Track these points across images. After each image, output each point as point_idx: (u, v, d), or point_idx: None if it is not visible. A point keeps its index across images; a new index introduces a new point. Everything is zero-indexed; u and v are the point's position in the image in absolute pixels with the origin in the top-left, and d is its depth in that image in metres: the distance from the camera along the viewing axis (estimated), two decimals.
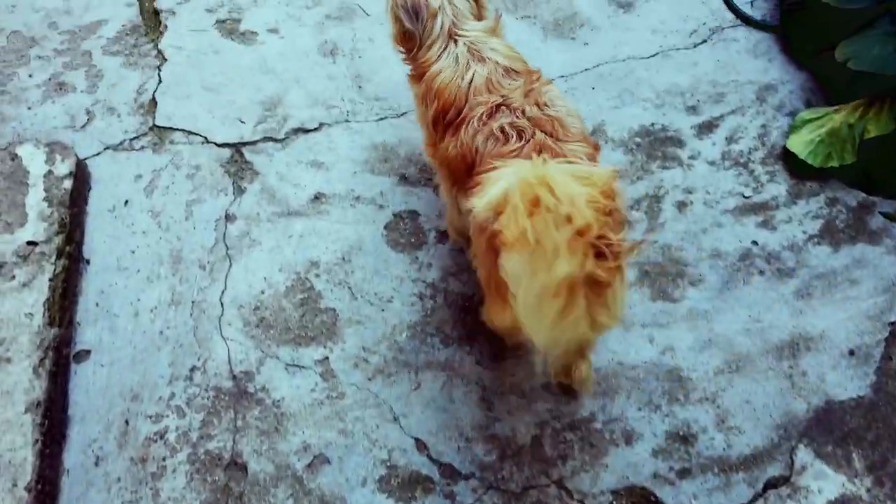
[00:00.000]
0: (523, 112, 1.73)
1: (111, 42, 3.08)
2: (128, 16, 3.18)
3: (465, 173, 1.78)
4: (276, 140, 2.81)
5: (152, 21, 3.18)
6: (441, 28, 1.87)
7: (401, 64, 2.10)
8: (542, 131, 1.69)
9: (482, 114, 1.74)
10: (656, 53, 3.07)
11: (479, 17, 1.98)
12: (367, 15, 3.22)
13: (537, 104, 1.75)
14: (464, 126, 1.77)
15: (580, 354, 1.96)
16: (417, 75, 1.96)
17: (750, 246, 2.53)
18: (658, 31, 3.13)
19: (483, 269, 1.74)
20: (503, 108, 1.74)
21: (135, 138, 2.79)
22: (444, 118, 1.84)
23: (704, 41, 3.11)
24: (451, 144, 1.81)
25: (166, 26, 3.15)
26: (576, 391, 2.16)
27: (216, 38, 3.12)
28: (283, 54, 3.08)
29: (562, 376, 2.07)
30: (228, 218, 2.59)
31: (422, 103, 1.98)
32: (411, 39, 1.93)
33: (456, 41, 1.87)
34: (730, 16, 3.20)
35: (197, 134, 2.81)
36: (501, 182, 1.37)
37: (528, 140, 1.67)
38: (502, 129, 1.69)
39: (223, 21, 3.18)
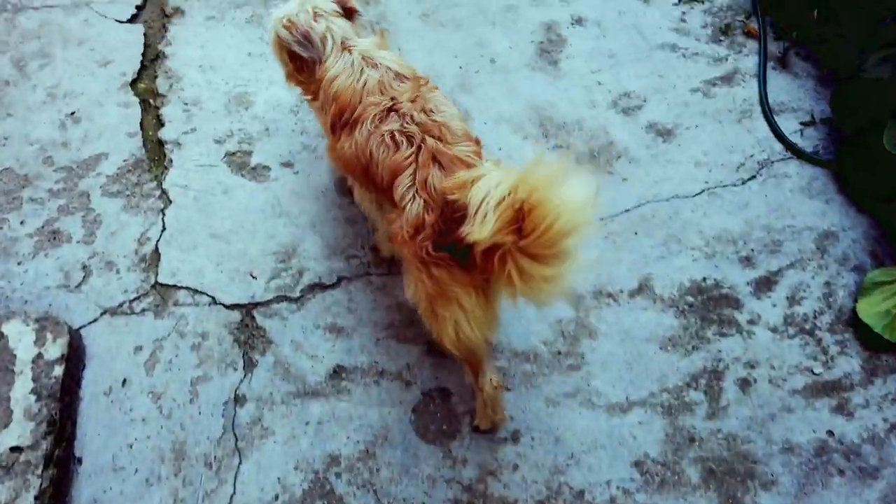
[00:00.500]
0: (412, 118, 1.87)
1: (111, 181, 2.84)
2: (130, 148, 2.94)
3: (360, 173, 1.97)
4: (290, 299, 2.55)
5: (156, 154, 2.94)
6: (334, 43, 2.08)
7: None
8: (430, 136, 1.83)
9: (374, 116, 1.89)
10: (702, 191, 2.82)
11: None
12: None
13: (424, 110, 1.89)
14: (358, 127, 1.93)
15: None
16: (316, 90, 2.12)
17: (825, 437, 2.25)
18: (702, 165, 2.89)
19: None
20: (393, 112, 1.89)
21: (135, 299, 2.53)
22: (340, 119, 2.00)
23: (753, 177, 2.87)
24: (347, 144, 1.96)
25: (171, 160, 2.91)
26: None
27: (225, 174, 2.88)
28: (298, 193, 2.83)
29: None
30: (238, 400, 2.32)
31: (322, 111, 2.13)
32: (310, 64, 2.11)
33: (350, 51, 2.07)
34: (779, 147, 2.96)
35: (203, 293, 2.55)
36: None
37: (419, 146, 1.82)
38: (393, 136, 1.84)
39: (233, 154, 2.94)
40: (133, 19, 3.42)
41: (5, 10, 3.40)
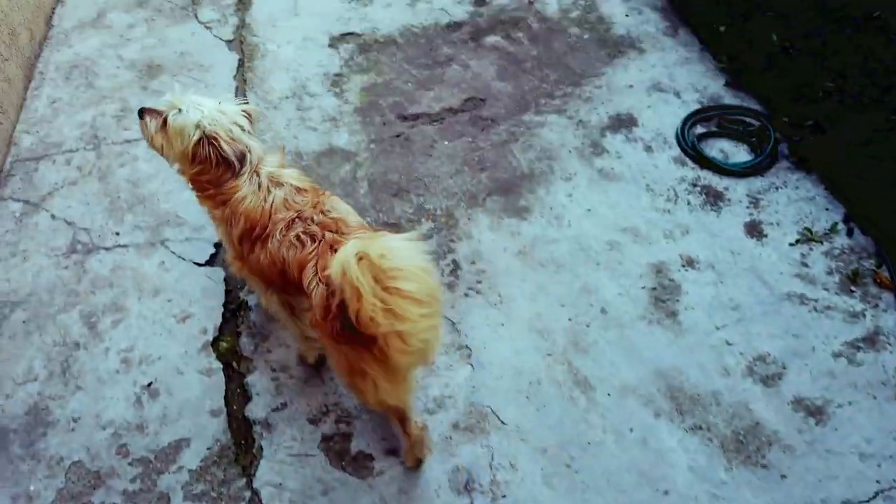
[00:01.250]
0: (312, 220, 2.12)
1: (195, 477, 2.48)
2: (214, 431, 2.60)
3: (278, 276, 2.16)
4: None
5: (243, 438, 2.59)
6: (251, 163, 2.26)
7: None
8: (329, 231, 2.09)
9: (282, 227, 2.12)
10: (876, 494, 2.44)
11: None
12: (503, 423, 2.63)
13: (322, 211, 2.15)
14: (270, 238, 2.14)
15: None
16: (220, 201, 2.27)
17: None
18: (868, 457, 2.54)
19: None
20: (297, 220, 2.13)
21: None
22: (251, 235, 2.20)
23: None
24: (262, 255, 2.17)
25: (261, 448, 2.56)
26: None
27: (324, 467, 2.51)
28: (408, 493, 2.45)
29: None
30: None
31: (225, 224, 2.30)
32: (221, 177, 2.25)
33: (258, 173, 2.26)
34: None
35: None
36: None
37: (321, 241, 2.06)
38: (298, 237, 2.09)
39: (330, 438, 2.59)
40: (212, 261, 3.17)
41: (75, 252, 3.17)
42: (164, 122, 2.28)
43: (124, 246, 3.22)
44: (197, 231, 3.29)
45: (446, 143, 3.79)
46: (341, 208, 2.21)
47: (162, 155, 2.42)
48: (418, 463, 2.47)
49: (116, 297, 3.00)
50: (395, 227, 3.33)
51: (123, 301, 2.98)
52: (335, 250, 1.93)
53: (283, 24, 4.56)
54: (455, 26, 4.56)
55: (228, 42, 4.41)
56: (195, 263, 3.16)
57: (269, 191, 2.21)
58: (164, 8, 4.66)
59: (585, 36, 4.45)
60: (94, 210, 3.36)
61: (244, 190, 2.23)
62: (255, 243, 2.20)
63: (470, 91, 4.08)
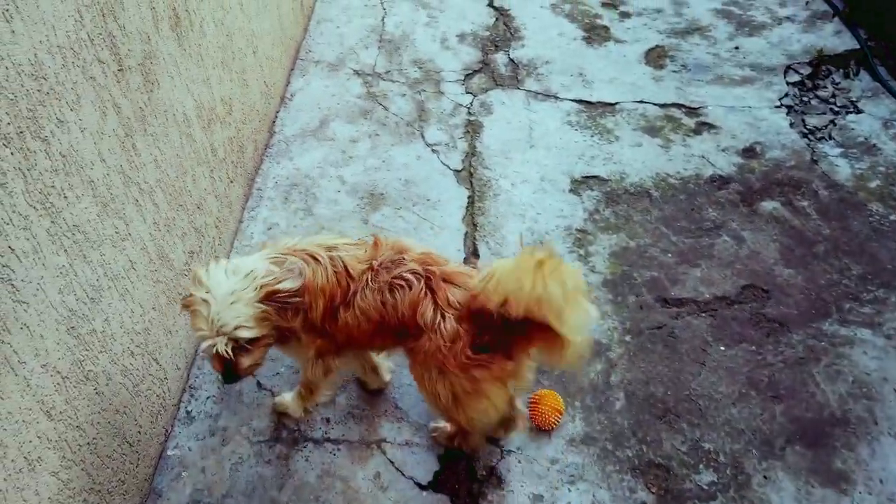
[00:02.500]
0: (396, 262, 2.15)
1: None
2: None
3: (374, 327, 2.15)
4: None
5: None
6: (299, 273, 2.11)
7: None
8: (427, 266, 2.14)
9: (367, 279, 2.12)
10: None
11: None
12: None
13: (399, 251, 2.19)
14: (357, 296, 2.12)
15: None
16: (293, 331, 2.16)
17: None
18: None
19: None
20: (379, 268, 2.13)
21: None
22: (332, 305, 2.14)
23: None
24: (350, 316, 2.14)
25: None
26: None
27: None
28: None
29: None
30: None
31: (307, 331, 2.18)
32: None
33: (305, 259, 2.15)
34: None
35: None
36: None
37: (427, 277, 2.11)
38: (399, 279, 2.11)
39: None
40: (435, 482, 2.53)
41: (277, 442, 2.63)
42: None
43: (335, 441, 2.65)
44: (418, 433, 2.69)
45: (722, 348, 3.00)
46: (413, 244, 2.24)
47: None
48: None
49: None
50: (665, 470, 2.56)
51: None
52: (450, 283, 2.09)
53: (517, 156, 4.00)
54: (721, 181, 3.80)
55: (457, 172, 3.90)
56: (417, 484, 2.54)
57: (331, 260, 2.12)
58: (388, 122, 4.25)
59: (892, 217, 3.54)
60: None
61: (313, 277, 2.13)
62: (338, 311, 2.14)
63: (748, 276, 3.29)
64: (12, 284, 1.71)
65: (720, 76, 4.60)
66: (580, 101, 4.41)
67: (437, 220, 3.62)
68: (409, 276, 2.10)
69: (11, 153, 1.70)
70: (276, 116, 4.29)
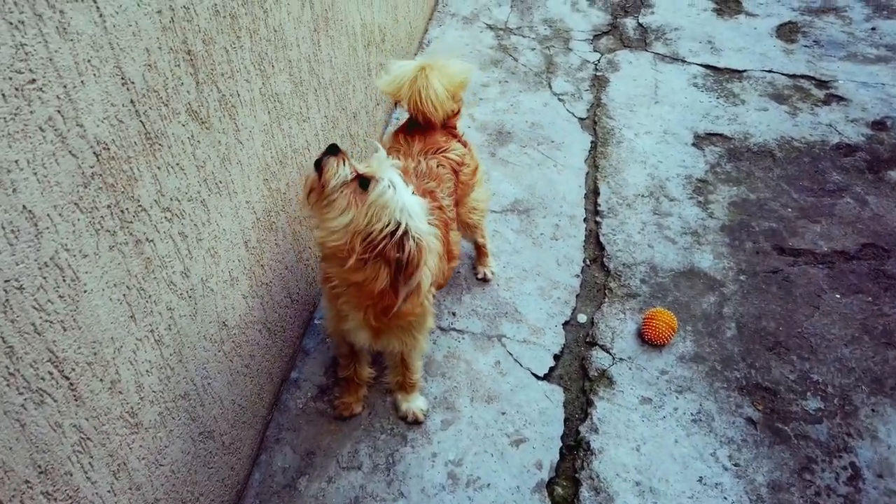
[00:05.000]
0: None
1: None
2: None
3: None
4: None
5: None
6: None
7: None
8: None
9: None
10: None
11: None
12: None
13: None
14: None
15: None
16: None
17: None
18: None
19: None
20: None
21: None
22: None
23: None
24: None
25: None
26: None
27: None
28: None
29: None
30: None
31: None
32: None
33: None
34: None
35: None
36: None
37: None
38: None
39: None
40: (550, 375, 2.74)
41: None
42: (364, 184, 1.88)
43: (460, 332, 2.91)
44: (535, 334, 2.91)
45: (838, 296, 3.07)
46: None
47: (319, 217, 1.96)
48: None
49: (447, 391, 2.68)
50: (771, 393, 2.68)
51: (455, 399, 2.65)
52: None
53: (642, 110, 4.14)
54: (847, 149, 3.81)
55: (581, 120, 4.08)
56: (533, 374, 2.76)
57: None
58: (517, 72, 4.48)
59: None
60: None
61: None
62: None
63: (869, 235, 3.32)
64: (235, 125, 2.05)
65: (853, 53, 4.57)
66: (707, 66, 4.50)
67: (560, 159, 3.82)
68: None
69: (245, 13, 2.03)
70: (415, 58, 4.59)
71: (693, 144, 3.90)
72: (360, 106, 3.34)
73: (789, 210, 3.49)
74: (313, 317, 2.93)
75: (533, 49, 4.69)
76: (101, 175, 1.45)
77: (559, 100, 4.26)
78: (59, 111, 1.31)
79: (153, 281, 1.67)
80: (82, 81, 1.36)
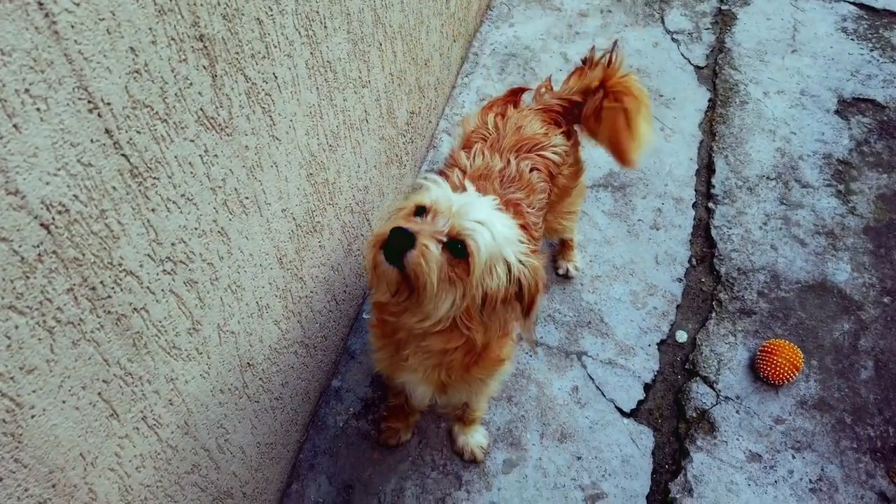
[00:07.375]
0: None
1: None
2: None
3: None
4: None
5: None
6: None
7: None
8: None
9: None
10: None
11: None
12: None
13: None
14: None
15: None
16: None
17: None
18: None
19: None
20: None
21: None
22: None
23: None
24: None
25: None
26: None
27: None
28: None
29: None
30: None
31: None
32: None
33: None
34: None
35: None
36: None
37: None
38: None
39: None
40: (637, 411, 2.29)
41: None
42: (456, 250, 1.37)
43: (533, 342, 2.44)
44: (624, 353, 2.42)
45: None
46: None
47: (411, 309, 1.47)
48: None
49: (514, 421, 2.25)
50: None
51: (522, 433, 2.23)
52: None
53: (775, 60, 3.37)
54: None
55: (698, 69, 3.35)
56: (617, 408, 2.30)
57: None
58: None
59: None
60: None
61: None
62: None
63: None
64: (271, 117, 1.53)
65: None
66: (861, 6, 3.63)
67: (668, 120, 3.16)
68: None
69: None
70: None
71: (836, 112, 3.16)
72: (434, 49, 2.74)
73: None
74: (361, 310, 2.51)
75: None
76: (54, 252, 0.98)
77: (673, 39, 3.51)
78: None
79: (146, 357, 1.25)
80: (14, 126, 0.87)
